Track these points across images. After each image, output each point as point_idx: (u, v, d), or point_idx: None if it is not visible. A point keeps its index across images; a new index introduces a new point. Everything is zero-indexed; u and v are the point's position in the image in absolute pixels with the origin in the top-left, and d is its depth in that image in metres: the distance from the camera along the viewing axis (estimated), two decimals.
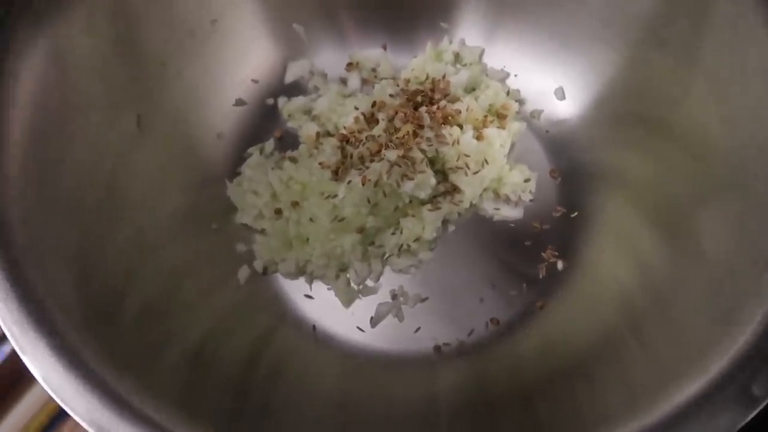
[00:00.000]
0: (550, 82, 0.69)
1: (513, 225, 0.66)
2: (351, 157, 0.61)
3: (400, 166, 0.58)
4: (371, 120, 0.64)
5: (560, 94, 0.69)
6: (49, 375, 0.41)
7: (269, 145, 0.69)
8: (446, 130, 0.61)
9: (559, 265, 0.63)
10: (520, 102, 0.70)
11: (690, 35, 0.53)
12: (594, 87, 0.66)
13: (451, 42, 0.71)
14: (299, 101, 0.70)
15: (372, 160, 0.59)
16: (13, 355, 0.57)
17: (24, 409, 0.60)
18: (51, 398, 0.40)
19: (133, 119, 0.57)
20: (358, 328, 0.62)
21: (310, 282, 0.63)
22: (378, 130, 0.61)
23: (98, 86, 0.53)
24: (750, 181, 0.46)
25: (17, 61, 0.47)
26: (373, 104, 0.64)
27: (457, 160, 0.61)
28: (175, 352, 0.51)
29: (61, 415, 0.61)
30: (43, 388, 0.40)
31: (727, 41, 0.50)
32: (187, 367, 0.51)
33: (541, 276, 0.63)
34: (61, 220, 0.48)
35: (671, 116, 0.56)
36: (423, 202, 0.63)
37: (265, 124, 0.70)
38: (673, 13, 0.55)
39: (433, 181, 0.60)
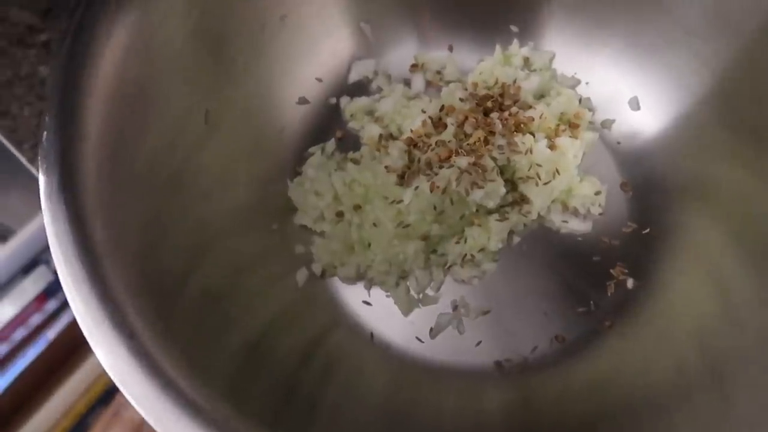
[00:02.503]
0: (624, 91, 0.66)
1: (581, 239, 0.63)
2: (418, 161, 0.59)
3: (470, 174, 0.56)
4: (438, 124, 0.62)
5: (634, 104, 0.66)
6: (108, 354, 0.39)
7: (330, 145, 0.67)
8: (519, 138, 0.59)
9: (629, 283, 0.60)
10: (591, 111, 0.67)
11: None
12: (674, 97, 0.63)
13: (520, 46, 0.69)
14: (362, 101, 0.69)
15: (441, 166, 0.57)
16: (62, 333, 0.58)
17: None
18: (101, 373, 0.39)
19: (202, 113, 0.56)
20: (417, 338, 0.60)
21: (368, 288, 0.62)
22: (447, 135, 0.59)
23: (174, 78, 0.52)
24: None
25: (97, 48, 0.46)
26: (442, 108, 0.62)
27: (529, 170, 0.59)
28: (230, 343, 0.50)
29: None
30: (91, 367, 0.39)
31: None
32: (242, 358, 0.50)
33: (609, 294, 0.60)
34: (130, 205, 0.47)
35: None
36: (490, 212, 0.61)
37: (326, 123, 0.68)
38: None
39: (503, 190, 0.58)
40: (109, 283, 0.40)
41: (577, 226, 0.63)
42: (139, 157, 0.48)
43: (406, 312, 0.61)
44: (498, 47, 0.68)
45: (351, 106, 0.69)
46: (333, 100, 0.69)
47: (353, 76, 0.70)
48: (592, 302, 0.60)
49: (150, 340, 0.40)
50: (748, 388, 0.45)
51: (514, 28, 0.69)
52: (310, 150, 0.67)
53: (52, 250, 0.40)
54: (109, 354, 0.39)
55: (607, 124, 0.67)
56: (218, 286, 0.52)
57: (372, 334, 0.60)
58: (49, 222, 0.41)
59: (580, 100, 0.67)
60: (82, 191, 0.42)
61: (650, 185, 0.64)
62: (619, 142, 0.66)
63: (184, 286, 0.48)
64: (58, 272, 0.39)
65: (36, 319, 0.77)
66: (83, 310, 0.39)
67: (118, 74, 0.46)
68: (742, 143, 0.56)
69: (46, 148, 0.43)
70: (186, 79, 0.53)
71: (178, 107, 0.53)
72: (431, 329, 0.60)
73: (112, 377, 0.38)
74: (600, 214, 0.63)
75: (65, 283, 0.39)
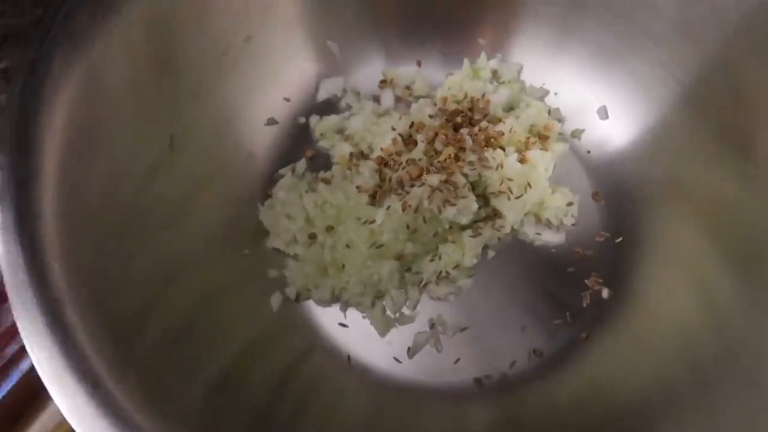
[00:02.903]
0: (592, 101, 0.67)
1: (555, 250, 0.63)
2: (389, 180, 0.59)
3: (442, 191, 0.56)
4: (409, 141, 0.62)
5: (603, 113, 0.66)
6: (65, 398, 0.38)
7: (301, 165, 0.66)
8: (489, 153, 0.59)
9: (605, 293, 0.60)
10: (560, 121, 0.67)
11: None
12: (641, 105, 0.63)
13: (489, 58, 0.69)
14: (332, 120, 0.68)
15: (412, 185, 0.57)
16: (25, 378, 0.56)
17: None
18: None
19: (166, 139, 0.55)
20: (395, 358, 0.59)
21: (344, 310, 0.61)
22: (418, 152, 0.59)
23: (133, 106, 0.51)
24: None
25: (53, 83, 0.44)
26: (411, 125, 0.62)
27: (500, 185, 0.59)
28: (198, 380, 0.49)
29: None
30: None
31: None
32: (211, 394, 0.49)
33: (585, 304, 0.60)
34: (88, 241, 0.46)
35: (754, 134, 0.52)
36: (463, 228, 0.60)
37: (296, 143, 0.68)
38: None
39: (475, 206, 0.58)
40: (68, 330, 0.39)
41: (550, 237, 0.63)
42: (96, 190, 0.47)
43: (383, 332, 0.60)
44: (466, 61, 0.68)
45: (321, 124, 0.68)
46: (302, 120, 0.68)
47: (322, 95, 0.69)
48: (568, 314, 0.60)
49: (114, 387, 0.39)
50: (735, 397, 0.45)
51: (481, 41, 0.69)
52: (280, 171, 0.66)
53: (9, 296, 0.38)
54: (71, 406, 0.37)
55: (576, 133, 0.67)
56: (185, 319, 0.51)
57: (349, 357, 0.59)
58: (6, 268, 0.39)
59: (549, 111, 0.67)
60: (38, 230, 0.41)
61: (622, 193, 0.64)
62: (589, 152, 0.67)
63: (148, 322, 0.47)
64: (15, 318, 0.38)
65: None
66: (43, 357, 0.38)
67: (74, 109, 0.45)
68: (710, 147, 0.57)
69: (1, 188, 0.42)
70: (146, 108, 0.52)
71: (138, 136, 0.52)
72: (409, 349, 0.59)
73: (76, 429, 0.37)
74: (573, 224, 0.64)
75: (23, 330, 0.38)
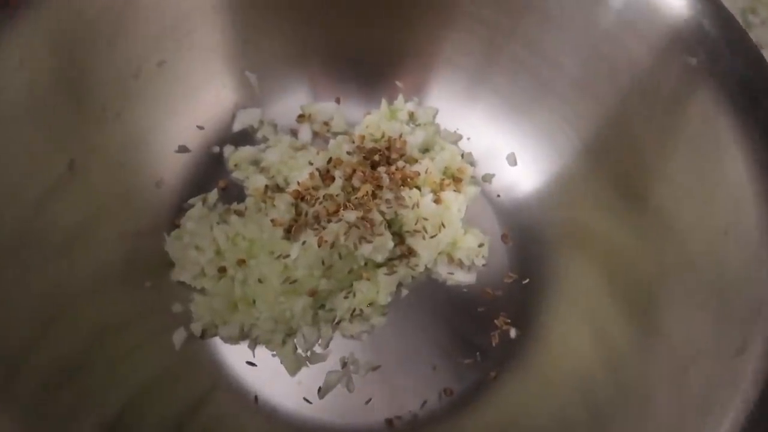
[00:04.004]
0: (502, 147, 0.70)
1: (466, 290, 0.64)
2: (306, 215, 0.58)
3: (358, 228, 0.56)
4: (326, 177, 0.61)
5: (512, 159, 0.69)
6: None
7: (213, 195, 0.64)
8: (406, 192, 0.59)
9: (512, 333, 0.62)
10: (473, 165, 0.70)
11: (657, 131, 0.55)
12: (546, 154, 0.66)
13: (405, 100, 0.70)
14: (247, 151, 0.67)
15: (329, 220, 0.56)
16: None
17: None
18: None
19: (64, 162, 0.51)
20: (304, 399, 0.57)
21: (253, 347, 0.59)
22: (335, 188, 0.59)
23: (29, 125, 0.47)
24: (723, 264, 0.47)
25: None
26: (329, 160, 0.62)
27: (416, 224, 0.60)
28: (88, 423, 0.46)
29: None
30: None
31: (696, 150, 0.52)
32: None
33: (494, 344, 0.62)
34: None
35: (647, 186, 0.56)
36: (378, 265, 0.60)
37: (208, 173, 0.65)
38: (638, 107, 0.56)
39: (391, 244, 0.58)
40: None
41: (462, 277, 0.64)
42: None
43: (294, 371, 0.58)
44: (384, 101, 0.69)
45: (235, 155, 0.66)
46: (216, 149, 0.66)
47: (237, 125, 0.68)
48: (478, 353, 0.61)
49: None
50: (626, 424, 0.48)
51: (399, 84, 0.71)
52: (190, 201, 0.63)
53: None
54: None
55: (487, 178, 0.70)
56: (75, 357, 0.47)
57: (257, 397, 0.57)
58: None
59: (462, 155, 0.69)
60: None
61: (528, 236, 0.67)
62: (498, 195, 0.69)
63: (29, 361, 0.43)
64: None
65: None
66: None
67: None
68: (609, 197, 0.61)
69: None
70: (44, 127, 0.49)
71: (30, 157, 0.48)
72: (320, 388, 0.58)
73: None
74: (483, 265, 0.65)
75: None
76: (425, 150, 0.69)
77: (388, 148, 0.65)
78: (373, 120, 0.68)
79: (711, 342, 0.45)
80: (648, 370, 0.49)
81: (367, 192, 0.58)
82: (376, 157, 0.63)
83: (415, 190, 0.61)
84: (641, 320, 0.52)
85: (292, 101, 0.70)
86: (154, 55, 0.58)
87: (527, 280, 0.64)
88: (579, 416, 0.52)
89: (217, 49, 0.63)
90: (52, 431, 0.43)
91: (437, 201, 0.61)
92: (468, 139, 0.71)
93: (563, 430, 0.52)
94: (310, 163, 0.62)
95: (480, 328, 0.62)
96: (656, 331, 0.50)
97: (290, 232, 0.57)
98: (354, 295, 0.59)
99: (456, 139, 0.71)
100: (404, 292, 0.63)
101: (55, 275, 0.50)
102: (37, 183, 0.50)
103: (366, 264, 0.59)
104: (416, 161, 0.64)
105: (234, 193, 0.65)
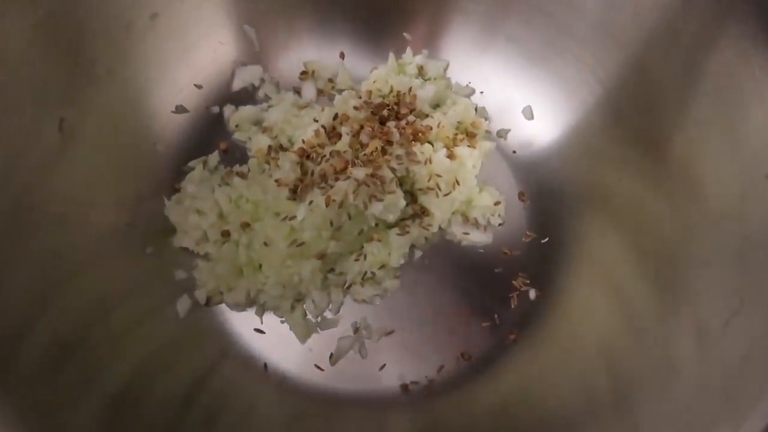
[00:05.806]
0: (518, 101, 0.66)
1: (482, 251, 0.61)
2: (312, 174, 0.55)
3: (368, 186, 0.52)
4: (332, 134, 0.58)
5: (528, 113, 0.66)
6: None
7: (213, 158, 0.61)
8: (417, 148, 0.56)
9: (532, 294, 0.59)
10: (487, 120, 0.66)
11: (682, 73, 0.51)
12: (565, 106, 0.63)
13: (414, 54, 0.67)
14: (248, 111, 0.63)
15: (336, 178, 0.53)
16: None
17: None
18: None
19: (55, 123, 0.48)
20: (316, 366, 0.55)
21: (261, 314, 0.56)
22: (342, 145, 0.55)
23: (14, 83, 0.44)
24: (749, 216, 0.43)
25: None
26: (335, 117, 0.59)
27: (429, 181, 0.56)
28: (93, 397, 0.44)
29: None
30: None
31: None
32: (107, 413, 0.44)
33: (512, 306, 0.59)
34: None
35: (669, 138, 0.53)
36: (390, 226, 0.57)
37: (208, 134, 0.62)
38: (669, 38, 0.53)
39: (403, 202, 0.55)
40: None
41: (478, 237, 0.61)
42: None
43: (304, 338, 0.56)
44: (392, 55, 0.66)
45: (236, 115, 0.63)
46: (215, 109, 0.63)
47: (237, 84, 0.64)
48: (496, 316, 0.58)
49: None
50: (655, 414, 0.44)
51: (407, 36, 0.67)
52: (190, 164, 0.60)
53: None
54: None
55: (502, 133, 0.66)
56: (75, 331, 0.45)
57: (266, 365, 0.55)
58: None
59: (476, 109, 0.65)
60: None
61: (546, 194, 0.63)
62: (514, 152, 0.66)
63: (31, 337, 0.41)
64: None
65: None
66: None
67: None
68: (631, 151, 0.57)
69: None
70: (28, 84, 0.45)
71: (22, 117, 0.45)
72: (331, 355, 0.55)
73: None
74: (500, 224, 0.62)
75: None
76: (436, 105, 0.65)
77: (397, 104, 0.62)
78: (380, 74, 0.64)
79: (736, 302, 0.41)
80: (672, 334, 0.46)
81: (376, 148, 0.54)
82: (385, 113, 0.60)
83: (427, 145, 0.57)
84: (665, 281, 0.49)
85: (294, 57, 0.66)
86: (145, 7, 0.55)
87: (546, 239, 0.61)
88: (601, 383, 0.49)
89: (213, 0, 0.59)
90: (56, 409, 0.41)
91: (451, 157, 0.58)
92: (481, 93, 0.68)
93: (585, 396, 0.50)
94: (315, 121, 0.59)
95: (498, 289, 0.59)
96: (680, 292, 0.47)
97: (296, 193, 0.54)
98: (365, 258, 0.56)
99: (468, 93, 0.67)
100: (417, 253, 0.60)
101: (56, 245, 0.48)
102: (32, 150, 0.47)
103: (377, 224, 0.56)
104: (427, 116, 0.61)
105: (236, 155, 0.62)
